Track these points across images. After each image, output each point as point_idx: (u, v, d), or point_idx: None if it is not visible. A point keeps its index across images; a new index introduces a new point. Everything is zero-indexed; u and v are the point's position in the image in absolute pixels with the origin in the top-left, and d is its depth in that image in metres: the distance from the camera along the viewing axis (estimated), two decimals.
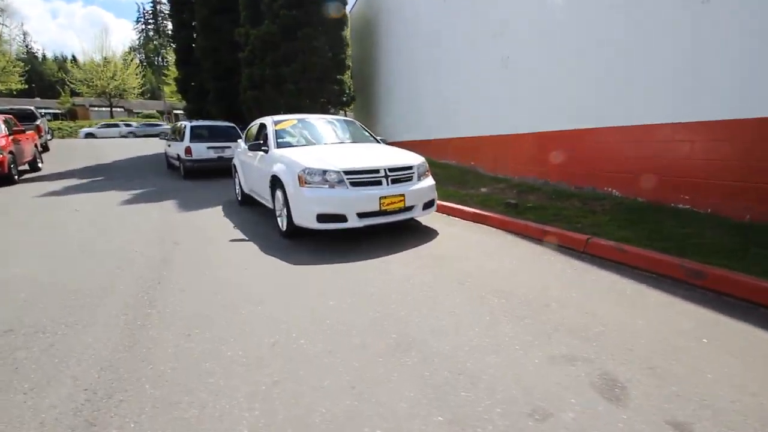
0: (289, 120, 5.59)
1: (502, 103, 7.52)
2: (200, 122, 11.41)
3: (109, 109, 34.30)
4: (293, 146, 5.09)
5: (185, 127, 11.04)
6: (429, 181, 4.65)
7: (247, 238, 4.66)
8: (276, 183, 4.68)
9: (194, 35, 16.28)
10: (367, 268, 3.51)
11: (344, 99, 14.00)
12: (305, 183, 4.12)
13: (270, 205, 5.18)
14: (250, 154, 5.85)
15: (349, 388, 1.88)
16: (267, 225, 5.29)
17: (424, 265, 3.56)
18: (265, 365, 2.08)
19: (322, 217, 4.04)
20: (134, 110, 39.40)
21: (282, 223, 4.66)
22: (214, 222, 5.63)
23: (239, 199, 6.96)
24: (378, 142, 5.71)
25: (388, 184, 4.23)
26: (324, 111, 14.11)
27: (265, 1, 12.55)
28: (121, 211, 6.53)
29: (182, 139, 10.92)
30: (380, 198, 4.12)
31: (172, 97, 39.81)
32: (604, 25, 5.39)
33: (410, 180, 4.43)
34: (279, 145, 5.09)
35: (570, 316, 2.53)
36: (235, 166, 6.96)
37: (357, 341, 2.29)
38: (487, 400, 1.77)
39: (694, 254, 3.28)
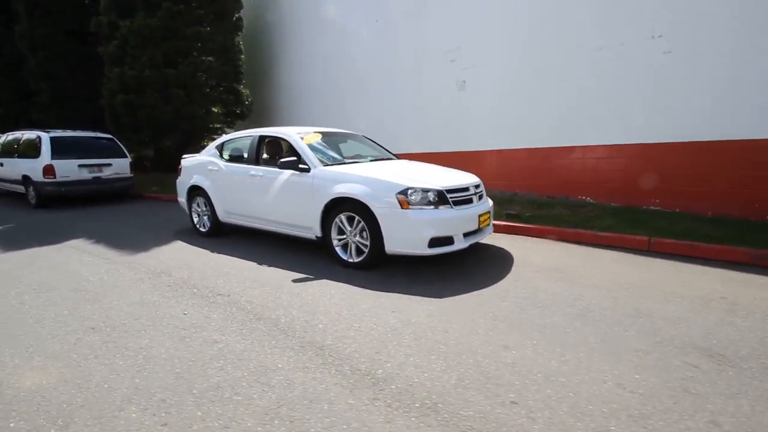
0: (313, 134, 4.78)
1: (459, 123, 8.04)
2: (63, 133, 8.53)
3: None
4: (343, 164, 4.41)
5: (40, 139, 8.12)
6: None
7: (312, 276, 3.79)
8: (339, 206, 3.97)
9: (6, 20, 12.03)
10: (516, 289, 3.33)
11: (240, 111, 12.58)
12: (409, 205, 3.64)
13: (306, 234, 4.35)
14: (254, 172, 4.77)
15: None
16: (301, 254, 4.42)
17: (560, 278, 3.59)
18: (662, 404, 1.83)
19: (434, 242, 3.64)
20: None
21: (349, 252, 3.99)
22: (216, 261, 4.37)
23: (204, 229, 5.56)
24: (395, 157, 5.42)
25: (477, 201, 4.10)
26: (223, 122, 12.41)
27: None
28: (21, 262, 4.41)
29: (37, 155, 8.00)
30: (479, 216, 3.97)
31: None
32: (563, 63, 6.44)
33: (483, 196, 4.40)
34: (325, 163, 4.33)
35: (750, 301, 2.99)
36: (196, 188, 5.53)
37: (678, 363, 2.21)
38: None
39: (717, 244, 4.25)
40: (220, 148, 5.46)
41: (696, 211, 5.42)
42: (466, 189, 4.02)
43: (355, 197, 3.83)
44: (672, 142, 5.58)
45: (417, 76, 8.67)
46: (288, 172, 4.42)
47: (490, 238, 5.06)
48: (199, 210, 5.64)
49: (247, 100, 12.51)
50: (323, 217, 4.13)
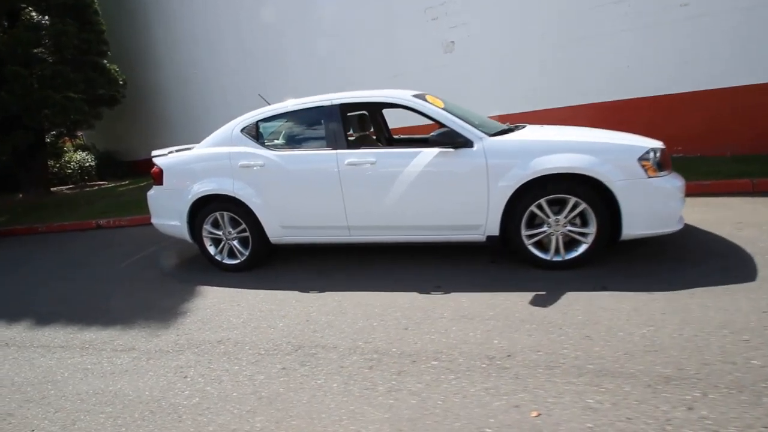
0: (435, 98, 3.35)
1: (450, 91, 7.15)
2: None
3: None
4: (506, 132, 3.21)
5: None
6: None
7: (543, 292, 2.64)
8: (532, 189, 2.84)
9: None
10: None
11: (105, 94, 9.19)
12: (655, 172, 2.77)
13: (468, 236, 3.11)
14: (355, 159, 3.17)
15: None
16: (454, 267, 3.15)
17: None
18: None
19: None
20: None
21: (555, 247, 2.93)
22: (346, 305, 2.83)
23: (235, 260, 3.69)
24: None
25: None
26: (86, 112, 8.80)
27: None
28: None
29: None
30: None
31: None
32: (578, 18, 6.25)
33: None
34: (489, 133, 3.06)
35: None
36: (211, 199, 3.52)
37: None
38: None
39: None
40: (254, 132, 3.48)
41: (713, 154, 5.91)
42: None
43: (578, 171, 2.75)
44: (688, 92, 5.93)
45: (388, 40, 7.45)
46: (431, 152, 2.99)
47: None
48: (220, 233, 3.59)
49: (122, 80, 9.18)
50: (507, 208, 2.93)
